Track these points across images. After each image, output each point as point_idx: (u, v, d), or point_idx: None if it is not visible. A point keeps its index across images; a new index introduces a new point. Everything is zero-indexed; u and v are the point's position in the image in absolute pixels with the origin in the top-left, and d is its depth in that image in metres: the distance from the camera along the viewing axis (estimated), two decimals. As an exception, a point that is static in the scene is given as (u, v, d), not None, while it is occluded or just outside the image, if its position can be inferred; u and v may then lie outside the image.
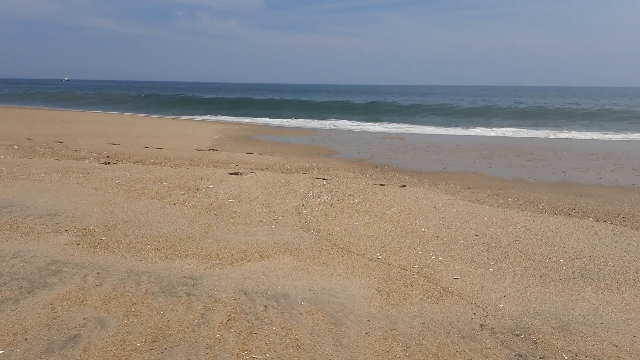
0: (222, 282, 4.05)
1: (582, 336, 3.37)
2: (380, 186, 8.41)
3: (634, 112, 35.22)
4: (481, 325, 3.48)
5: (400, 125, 27.77)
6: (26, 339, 3.06)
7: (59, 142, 12.85)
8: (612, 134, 22.91)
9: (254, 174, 9.01)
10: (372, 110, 38.92)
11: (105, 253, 4.66)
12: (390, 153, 14.18)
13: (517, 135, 22.43)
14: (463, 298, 3.94)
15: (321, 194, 7.45)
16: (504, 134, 23.15)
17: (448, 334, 3.35)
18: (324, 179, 8.77)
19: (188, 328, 3.29)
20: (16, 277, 3.99)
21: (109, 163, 9.70)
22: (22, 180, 7.65)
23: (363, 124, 27.80)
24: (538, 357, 3.09)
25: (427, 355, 3.07)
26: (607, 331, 3.45)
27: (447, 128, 25.86)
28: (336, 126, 26.43)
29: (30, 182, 7.54)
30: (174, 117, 31.04)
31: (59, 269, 4.18)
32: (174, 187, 7.52)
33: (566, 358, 3.09)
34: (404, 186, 8.56)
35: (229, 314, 3.51)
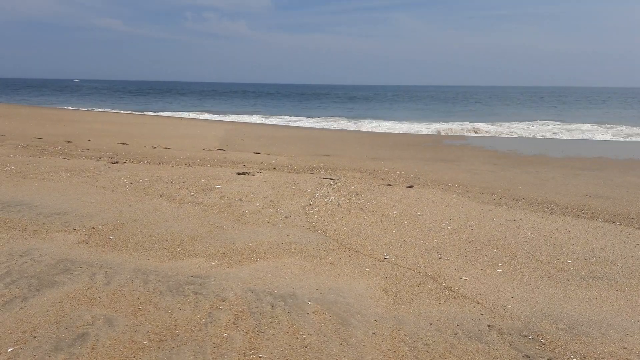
0: (229, 281, 4.07)
1: (591, 338, 3.35)
2: (388, 186, 8.40)
3: None
4: (489, 326, 3.47)
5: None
6: (35, 337, 3.08)
7: (68, 142, 12.94)
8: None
9: (262, 174, 9.03)
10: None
11: (113, 252, 4.69)
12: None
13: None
14: (470, 299, 3.92)
15: (328, 194, 7.45)
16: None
17: (455, 334, 3.34)
18: (331, 179, 8.77)
19: (195, 327, 3.30)
20: (25, 275, 4.02)
21: (117, 162, 9.75)
22: (32, 179, 7.71)
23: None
24: (546, 358, 3.07)
25: (434, 356, 3.06)
26: (616, 333, 3.43)
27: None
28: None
29: (40, 181, 7.59)
30: (182, 116, 31.15)
31: (68, 268, 4.21)
32: (182, 187, 7.54)
33: (574, 360, 3.07)
34: (412, 186, 8.54)
35: (236, 313, 3.52)
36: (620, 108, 47.14)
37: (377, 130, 24.00)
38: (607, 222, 6.56)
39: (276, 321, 3.43)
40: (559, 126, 26.49)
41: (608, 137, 21.51)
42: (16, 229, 5.24)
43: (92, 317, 3.36)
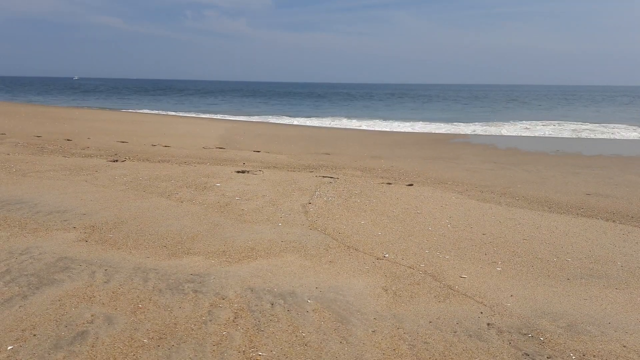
0: (229, 279, 4.07)
1: (590, 336, 3.35)
2: (387, 185, 8.40)
3: None
4: (488, 324, 3.47)
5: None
6: (34, 335, 3.08)
7: (68, 140, 12.93)
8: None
9: (261, 172, 9.02)
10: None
11: (113, 250, 4.68)
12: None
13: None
14: (470, 297, 3.93)
15: (328, 192, 7.45)
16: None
17: (455, 332, 3.34)
18: (331, 177, 8.77)
19: (195, 325, 3.30)
20: (25, 273, 4.02)
21: (117, 161, 9.75)
22: (31, 177, 7.70)
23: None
24: (545, 356, 3.07)
25: (434, 354, 3.07)
26: (615, 331, 3.43)
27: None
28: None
29: (39, 179, 7.59)
30: (182, 114, 31.12)
31: (67, 266, 4.21)
32: (182, 185, 7.54)
33: (574, 358, 3.07)
34: (411, 185, 8.54)
35: (235, 311, 3.52)
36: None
37: (377, 129, 23.99)
38: (607, 220, 6.56)
39: (276, 319, 3.43)
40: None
41: None
42: (16, 227, 5.24)
43: (92, 315, 3.36)
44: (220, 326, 3.30)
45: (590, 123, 27.69)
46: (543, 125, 26.28)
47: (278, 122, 28.02)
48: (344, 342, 3.16)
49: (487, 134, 22.50)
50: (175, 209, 6.21)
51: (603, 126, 25.45)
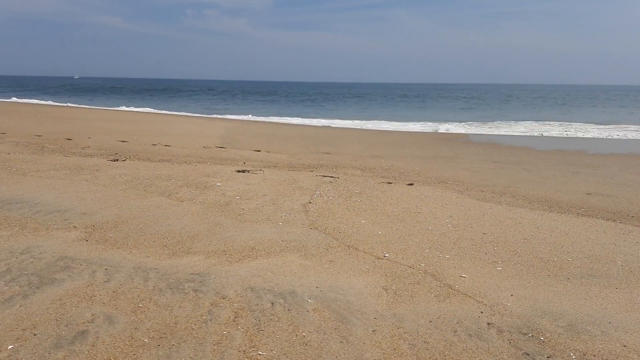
0: (229, 279, 4.07)
1: (590, 335, 3.35)
2: (388, 184, 8.40)
3: None
4: (488, 323, 3.47)
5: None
6: (35, 334, 3.09)
7: (68, 139, 12.93)
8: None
9: (262, 172, 9.03)
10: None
11: (113, 249, 4.69)
12: None
13: None
14: (470, 296, 3.93)
15: (328, 192, 7.45)
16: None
17: (455, 332, 3.34)
18: (331, 177, 8.77)
19: (195, 324, 3.30)
20: (25, 272, 4.02)
21: (117, 160, 9.75)
22: (31, 176, 7.71)
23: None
24: (545, 356, 3.07)
25: (434, 354, 3.07)
26: (616, 330, 3.43)
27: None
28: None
29: (39, 178, 7.59)
30: (183, 114, 31.10)
31: (68, 265, 4.21)
32: (182, 185, 7.54)
33: (574, 357, 3.07)
34: (412, 184, 8.54)
35: (236, 310, 3.52)
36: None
37: (377, 128, 23.98)
38: (607, 220, 6.56)
39: (276, 319, 3.43)
40: None
41: None
42: (16, 227, 5.24)
43: (92, 315, 3.36)
44: (220, 326, 3.30)
45: (590, 123, 27.67)
46: (543, 125, 26.28)
47: (278, 121, 28.01)
48: (344, 341, 3.16)
49: (487, 133, 22.50)
50: (175, 208, 6.21)
51: (603, 125, 25.44)
